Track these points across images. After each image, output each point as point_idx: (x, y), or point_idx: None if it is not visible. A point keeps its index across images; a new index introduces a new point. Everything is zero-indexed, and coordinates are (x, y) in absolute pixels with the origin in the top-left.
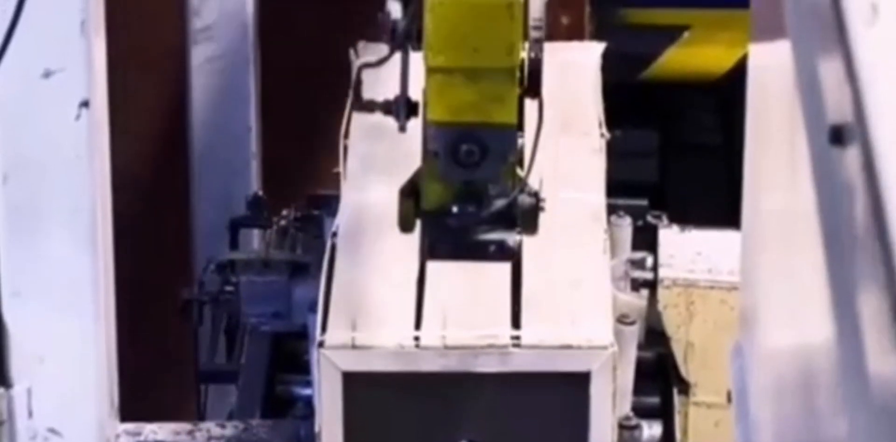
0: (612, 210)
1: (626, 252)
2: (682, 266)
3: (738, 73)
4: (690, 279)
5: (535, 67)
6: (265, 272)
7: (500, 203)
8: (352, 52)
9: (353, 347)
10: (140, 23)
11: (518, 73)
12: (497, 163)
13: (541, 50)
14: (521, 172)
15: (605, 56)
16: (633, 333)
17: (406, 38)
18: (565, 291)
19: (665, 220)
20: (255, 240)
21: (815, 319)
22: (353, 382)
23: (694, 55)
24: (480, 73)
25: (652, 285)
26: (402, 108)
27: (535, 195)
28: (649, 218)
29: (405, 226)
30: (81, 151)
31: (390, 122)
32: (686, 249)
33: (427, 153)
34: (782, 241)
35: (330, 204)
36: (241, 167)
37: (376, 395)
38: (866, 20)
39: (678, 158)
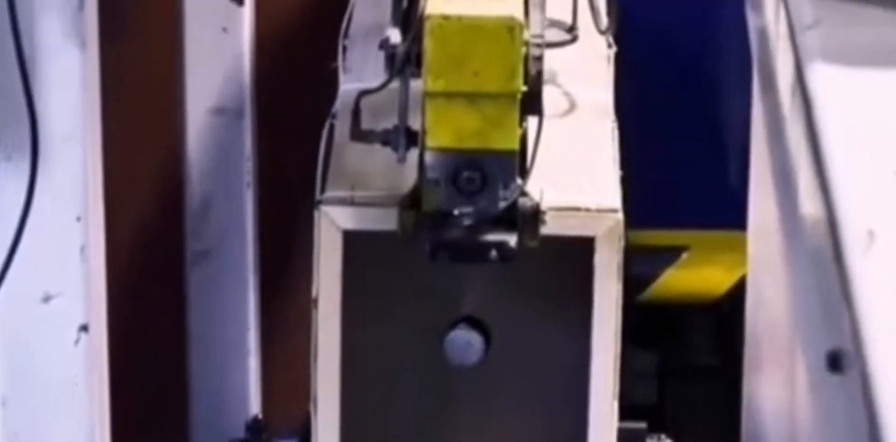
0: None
1: None
2: None
3: (736, 295)
4: None
5: (535, 84)
6: None
7: (501, 206)
8: None
9: (353, 203)
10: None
11: (519, 98)
12: (498, 190)
13: (540, 66)
14: (520, 181)
15: None
16: None
17: (405, 62)
18: (570, 161)
19: None
20: None
21: None
22: (354, 242)
23: (692, 276)
24: (481, 99)
25: None
26: (401, 138)
27: (537, 205)
28: (648, 441)
29: (405, 234)
30: (80, 376)
31: None
32: None
33: (426, 181)
34: None
35: None
36: (238, 389)
37: (377, 256)
38: (863, 245)
39: (677, 380)
